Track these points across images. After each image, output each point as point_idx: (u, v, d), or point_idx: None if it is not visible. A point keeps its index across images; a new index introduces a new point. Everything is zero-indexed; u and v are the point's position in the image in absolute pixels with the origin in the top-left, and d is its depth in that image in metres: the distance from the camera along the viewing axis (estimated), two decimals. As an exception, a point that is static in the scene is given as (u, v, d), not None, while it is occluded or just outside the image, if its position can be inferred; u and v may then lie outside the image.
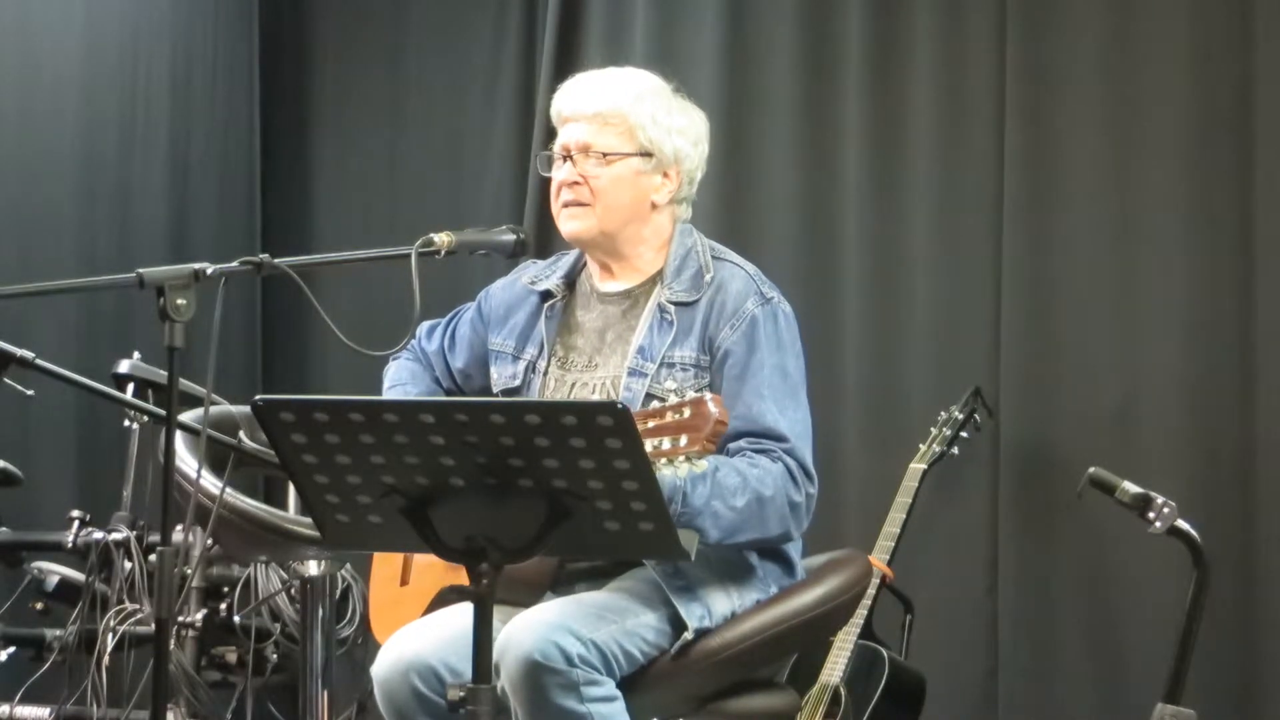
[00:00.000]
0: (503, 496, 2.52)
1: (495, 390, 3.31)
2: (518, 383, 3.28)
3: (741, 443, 3.07)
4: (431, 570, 3.21)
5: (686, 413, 2.73)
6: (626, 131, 3.21)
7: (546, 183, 3.31)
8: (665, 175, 3.25)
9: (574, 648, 2.91)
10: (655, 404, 2.79)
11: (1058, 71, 4.58)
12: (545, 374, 3.26)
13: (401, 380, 3.40)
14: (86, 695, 4.10)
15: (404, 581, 3.33)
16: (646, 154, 3.22)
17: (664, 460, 2.72)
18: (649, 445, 2.70)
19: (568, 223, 3.24)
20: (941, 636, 4.56)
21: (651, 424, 2.73)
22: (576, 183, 3.22)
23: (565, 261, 3.37)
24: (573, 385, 3.23)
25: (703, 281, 3.20)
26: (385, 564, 3.40)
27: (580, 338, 3.28)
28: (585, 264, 3.34)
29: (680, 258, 3.24)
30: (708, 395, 2.74)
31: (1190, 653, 3.90)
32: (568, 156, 3.23)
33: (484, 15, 5.54)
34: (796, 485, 3.07)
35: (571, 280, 3.34)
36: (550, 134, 3.37)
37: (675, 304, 3.19)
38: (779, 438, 3.08)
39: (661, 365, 3.15)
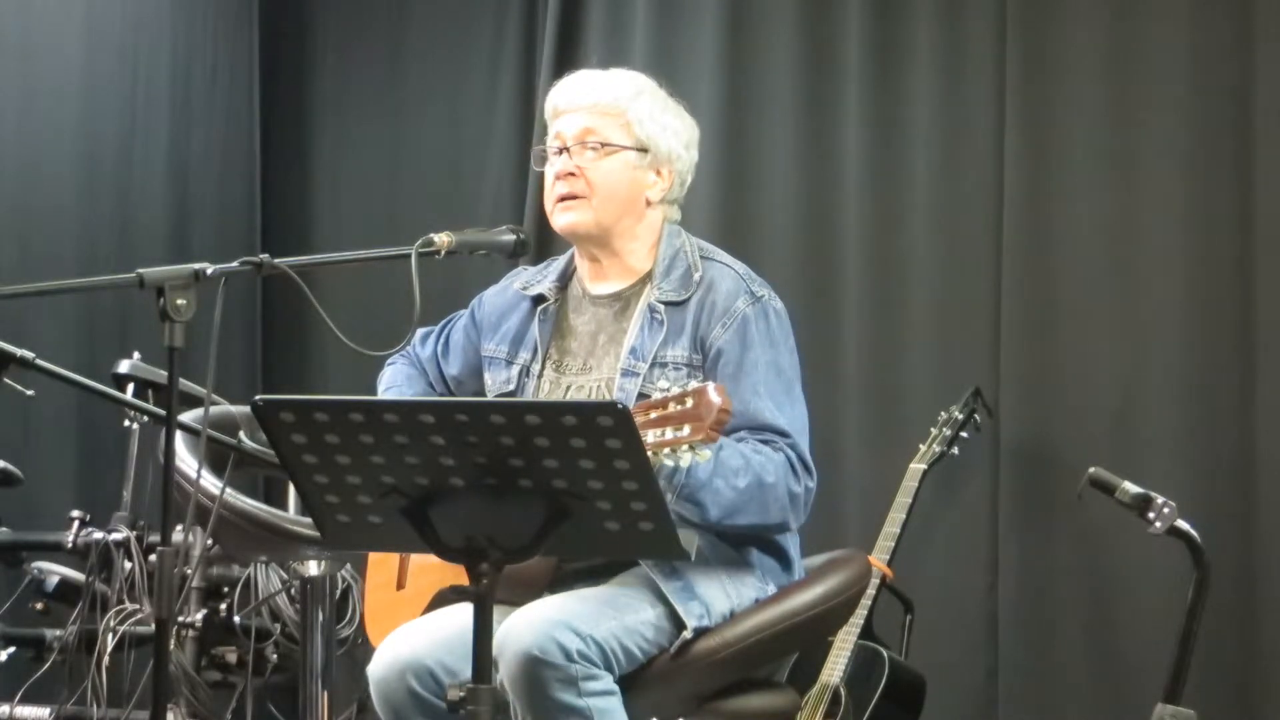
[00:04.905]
0: (503, 496, 2.52)
1: (490, 396, 3.30)
2: (512, 387, 3.28)
3: (742, 433, 3.07)
4: (429, 571, 3.21)
5: (689, 402, 2.72)
6: (624, 125, 3.22)
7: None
8: (658, 173, 3.26)
9: (573, 643, 2.91)
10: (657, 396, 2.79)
11: (1058, 71, 4.58)
12: (539, 378, 3.26)
13: (396, 384, 3.40)
14: (86, 695, 4.10)
15: (400, 585, 3.32)
16: (642, 149, 3.22)
17: (667, 451, 2.72)
18: (651, 436, 2.70)
19: (563, 215, 3.23)
20: (941, 636, 4.56)
21: (654, 415, 2.73)
22: (572, 174, 3.21)
23: (556, 266, 3.37)
24: (568, 388, 3.23)
25: (692, 281, 3.20)
26: (380, 570, 3.39)
27: (574, 341, 3.28)
28: (576, 268, 3.34)
29: (669, 258, 3.24)
30: (710, 384, 2.73)
31: (1190, 653, 3.90)
32: (563, 149, 3.23)
33: (484, 15, 5.54)
34: (796, 477, 3.07)
35: (563, 284, 3.34)
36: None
37: (665, 304, 3.19)
38: (781, 433, 3.09)
39: (653, 365, 3.15)
